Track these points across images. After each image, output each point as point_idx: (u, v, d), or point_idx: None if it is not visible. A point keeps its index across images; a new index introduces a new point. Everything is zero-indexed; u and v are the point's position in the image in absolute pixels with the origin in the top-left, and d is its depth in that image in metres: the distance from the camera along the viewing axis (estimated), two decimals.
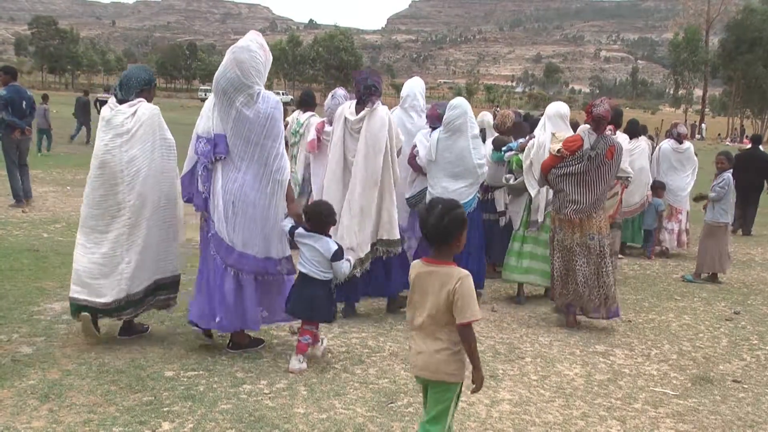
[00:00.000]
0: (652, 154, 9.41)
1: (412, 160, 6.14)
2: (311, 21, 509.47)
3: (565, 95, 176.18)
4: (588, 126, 5.58)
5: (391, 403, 3.85)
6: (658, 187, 8.98)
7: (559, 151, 5.57)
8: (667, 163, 9.29)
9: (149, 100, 4.50)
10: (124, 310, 4.35)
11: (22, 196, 9.48)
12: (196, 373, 4.06)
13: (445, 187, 5.79)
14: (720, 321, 6.15)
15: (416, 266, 2.91)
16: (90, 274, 4.28)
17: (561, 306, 5.82)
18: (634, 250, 9.23)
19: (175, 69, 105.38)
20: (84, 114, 21.69)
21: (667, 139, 9.66)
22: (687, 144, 9.49)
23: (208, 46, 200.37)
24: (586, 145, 5.50)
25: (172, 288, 4.59)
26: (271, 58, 4.39)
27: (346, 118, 5.24)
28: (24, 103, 9.44)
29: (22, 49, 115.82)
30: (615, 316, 5.73)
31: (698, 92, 72.52)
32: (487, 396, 4.05)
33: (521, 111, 11.43)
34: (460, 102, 5.97)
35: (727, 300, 6.98)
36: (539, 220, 6.18)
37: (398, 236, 5.42)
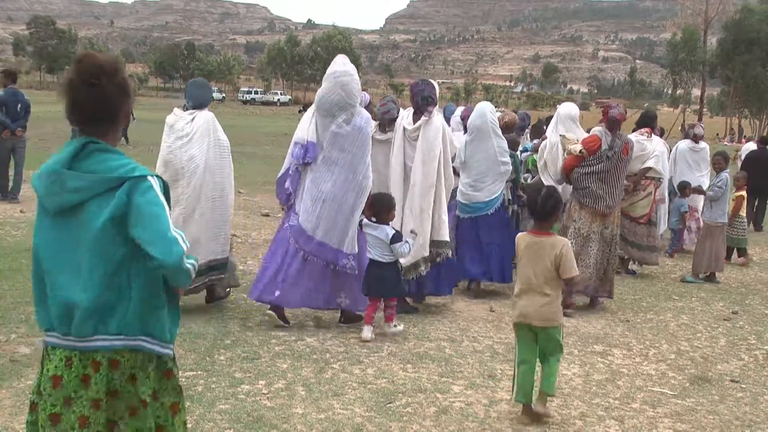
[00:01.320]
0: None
1: None
2: (309, 21, 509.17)
3: (564, 95, 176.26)
4: (601, 128, 6.13)
5: (390, 403, 3.86)
6: (684, 188, 9.04)
7: (581, 151, 6.09)
8: (683, 163, 9.48)
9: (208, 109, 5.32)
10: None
11: (10, 193, 9.87)
12: (194, 373, 4.06)
13: (474, 185, 6.27)
14: (718, 321, 6.16)
15: (524, 238, 3.77)
16: None
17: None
18: None
19: (173, 69, 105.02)
20: None
21: (684, 139, 9.86)
22: (703, 144, 9.74)
23: (206, 46, 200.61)
24: (604, 146, 6.05)
25: (222, 268, 5.25)
26: (359, 78, 5.12)
27: (404, 127, 5.62)
28: (19, 105, 9.70)
29: (21, 49, 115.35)
30: (609, 296, 6.31)
31: (696, 92, 72.61)
32: (485, 396, 4.06)
33: (530, 113, 11.63)
34: (480, 106, 6.48)
35: (725, 300, 6.99)
36: None
37: (447, 238, 5.73)
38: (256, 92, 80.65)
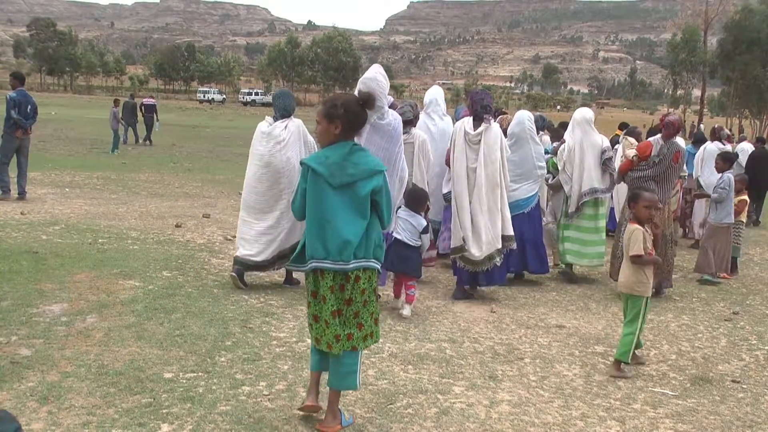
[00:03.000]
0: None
1: (449, 160, 6.78)
2: (310, 22, 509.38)
3: (564, 96, 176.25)
4: (659, 135, 6.72)
5: (390, 404, 3.86)
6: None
7: (633, 157, 6.70)
8: (710, 163, 9.65)
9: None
10: (273, 266, 6.06)
11: (9, 190, 10.19)
12: (195, 374, 4.06)
13: (511, 185, 6.68)
14: (719, 321, 6.16)
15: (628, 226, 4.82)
16: (254, 240, 5.96)
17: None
18: None
19: (174, 70, 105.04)
20: (132, 116, 22.15)
21: (712, 141, 10.33)
22: (728, 147, 10.15)
23: (206, 47, 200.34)
24: (654, 152, 6.59)
25: None
26: (389, 83, 5.83)
27: (466, 132, 6.19)
28: (29, 107, 10.24)
29: (21, 51, 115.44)
30: (667, 287, 6.93)
31: (697, 92, 72.55)
32: (486, 397, 4.05)
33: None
34: (519, 115, 7.11)
35: (726, 300, 6.98)
36: (573, 210, 7.31)
37: (512, 232, 6.35)
38: (256, 93, 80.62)
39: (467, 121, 6.28)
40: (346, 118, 3.41)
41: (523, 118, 7.01)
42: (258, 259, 5.94)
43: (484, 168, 6.14)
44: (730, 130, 57.33)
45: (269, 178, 5.94)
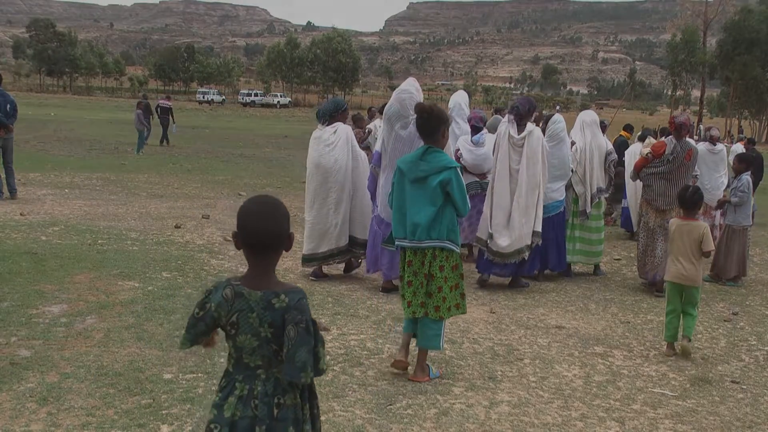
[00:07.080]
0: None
1: (456, 161, 6.96)
2: (309, 23, 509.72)
3: (563, 96, 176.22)
4: (671, 135, 6.94)
5: (390, 405, 3.86)
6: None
7: (647, 154, 7.01)
8: (702, 165, 9.67)
9: (343, 122, 6.75)
10: (335, 258, 6.60)
11: (11, 192, 10.22)
12: (194, 375, 4.06)
13: (549, 186, 7.01)
14: (718, 322, 6.16)
15: (675, 222, 5.18)
16: (315, 235, 6.56)
17: (646, 275, 7.07)
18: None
19: (173, 71, 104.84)
20: (146, 117, 22.23)
21: (702, 142, 10.15)
22: (720, 146, 9.99)
23: (206, 48, 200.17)
24: (668, 150, 6.83)
25: (361, 247, 6.63)
26: (422, 95, 6.13)
27: (510, 136, 6.56)
28: (8, 106, 10.03)
29: (21, 51, 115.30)
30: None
31: (696, 93, 72.64)
32: (485, 398, 4.06)
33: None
34: (560, 118, 7.37)
35: (726, 301, 6.98)
36: (588, 211, 7.56)
37: (540, 228, 6.68)
38: (256, 94, 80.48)
39: (511, 126, 6.62)
40: (418, 127, 4.31)
41: (562, 120, 7.30)
42: (321, 251, 6.54)
43: (526, 169, 6.49)
44: (729, 131, 57.51)
45: (318, 177, 6.54)
